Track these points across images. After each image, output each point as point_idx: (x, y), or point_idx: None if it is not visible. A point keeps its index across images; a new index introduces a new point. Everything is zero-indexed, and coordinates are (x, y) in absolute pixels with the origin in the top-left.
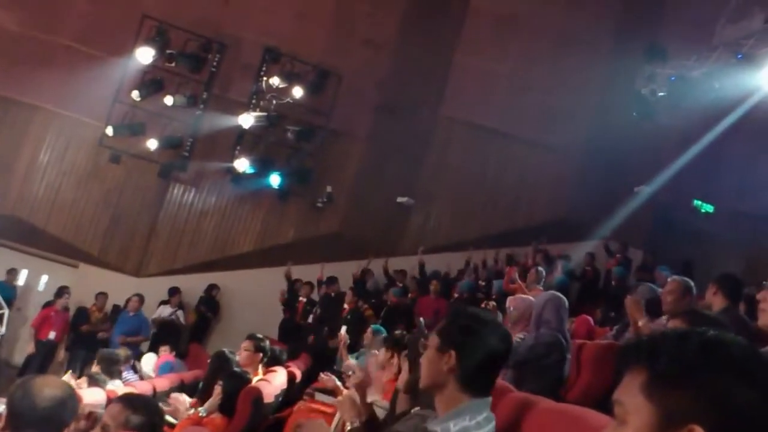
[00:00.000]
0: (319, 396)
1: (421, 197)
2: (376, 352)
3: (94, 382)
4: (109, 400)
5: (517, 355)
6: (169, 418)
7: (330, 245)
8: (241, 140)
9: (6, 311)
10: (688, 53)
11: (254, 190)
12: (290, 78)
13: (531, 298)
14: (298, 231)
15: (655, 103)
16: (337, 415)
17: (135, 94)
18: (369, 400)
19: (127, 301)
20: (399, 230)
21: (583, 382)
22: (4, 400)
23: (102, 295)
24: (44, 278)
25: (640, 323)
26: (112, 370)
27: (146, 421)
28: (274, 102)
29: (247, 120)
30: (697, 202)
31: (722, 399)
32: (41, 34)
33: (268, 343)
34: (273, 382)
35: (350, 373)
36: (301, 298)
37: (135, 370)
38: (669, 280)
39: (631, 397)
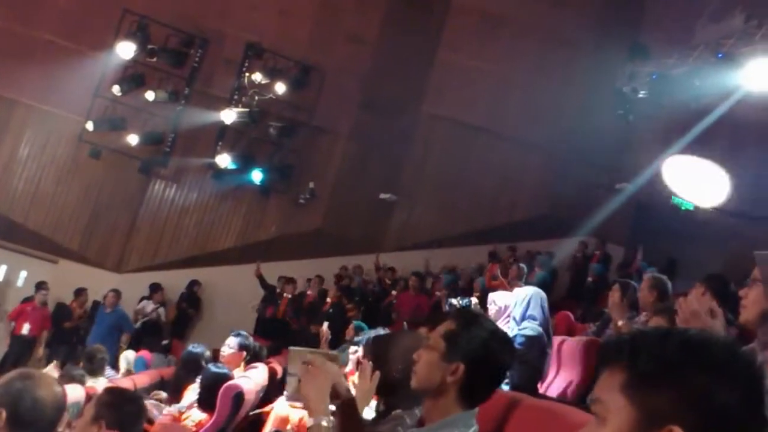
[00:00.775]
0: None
1: (404, 194)
2: (356, 348)
3: (71, 379)
4: (89, 397)
5: None
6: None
7: (312, 242)
8: (223, 136)
9: None
10: (669, 52)
11: (236, 186)
12: (272, 74)
13: (512, 293)
14: (280, 227)
15: (636, 101)
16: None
17: (116, 89)
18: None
19: (104, 297)
20: (382, 227)
21: (562, 378)
22: None
23: (82, 291)
24: (23, 274)
25: (619, 323)
26: (95, 367)
27: (128, 416)
28: (257, 98)
29: (228, 116)
30: (676, 200)
31: (703, 399)
32: (21, 28)
33: (252, 340)
34: (254, 379)
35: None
36: (286, 295)
37: (112, 367)
38: (645, 277)
39: (611, 395)
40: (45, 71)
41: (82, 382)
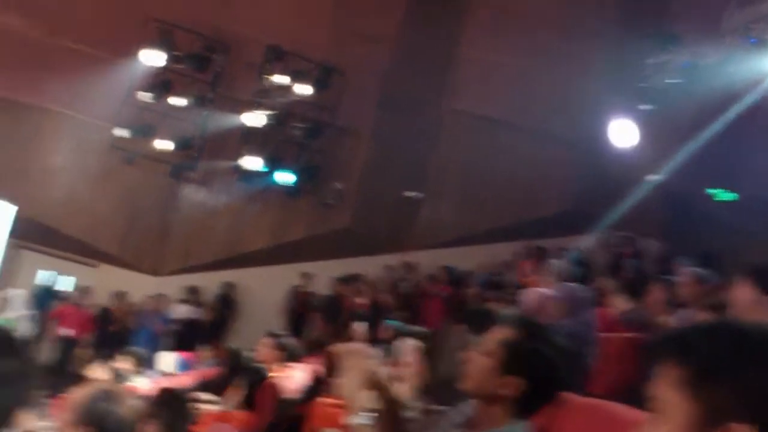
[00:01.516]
0: None
1: (430, 191)
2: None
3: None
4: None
5: None
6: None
7: (341, 241)
8: (248, 139)
9: (31, 312)
10: (697, 39)
11: (263, 187)
12: (294, 76)
13: (546, 290)
14: (309, 228)
15: (666, 91)
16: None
17: (144, 96)
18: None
19: (147, 300)
20: (408, 224)
21: (608, 375)
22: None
23: (122, 294)
24: (64, 278)
25: (667, 318)
26: (139, 367)
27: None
28: (280, 100)
29: (252, 119)
30: (712, 191)
31: (760, 394)
32: (48, 38)
33: (288, 339)
34: (292, 378)
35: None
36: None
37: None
38: (683, 271)
39: (668, 392)
40: (74, 79)
41: (127, 382)
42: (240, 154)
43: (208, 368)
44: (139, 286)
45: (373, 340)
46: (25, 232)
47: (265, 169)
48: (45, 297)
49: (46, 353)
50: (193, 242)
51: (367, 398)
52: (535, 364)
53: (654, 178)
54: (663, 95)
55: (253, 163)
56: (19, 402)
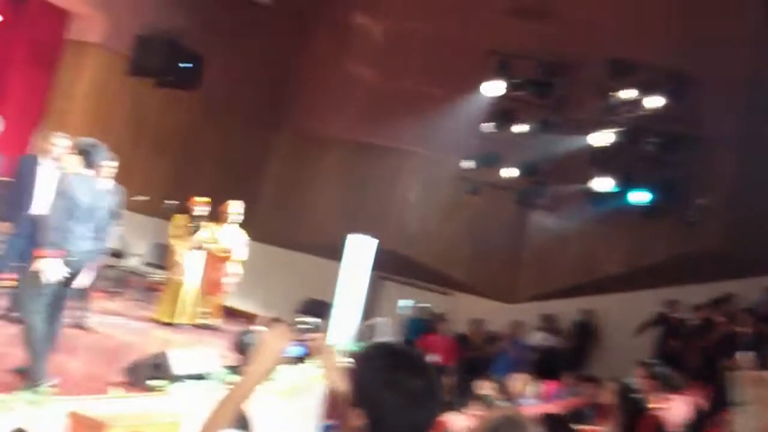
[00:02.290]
0: None
1: None
2: None
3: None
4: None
5: None
6: None
7: (707, 264)
8: (597, 159)
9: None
10: None
11: (616, 209)
12: (642, 88)
13: None
14: (670, 250)
15: None
16: None
17: (487, 126)
18: None
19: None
20: None
21: None
22: None
23: (478, 321)
24: (423, 306)
25: None
26: (501, 394)
27: None
28: (628, 115)
29: (600, 138)
30: None
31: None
32: (394, 84)
33: (662, 369)
34: (674, 410)
35: None
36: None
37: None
38: None
39: None
40: (422, 119)
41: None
42: (589, 176)
43: (571, 397)
44: (492, 314)
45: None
46: (385, 265)
47: (617, 190)
48: (412, 325)
49: None
50: (545, 269)
51: None
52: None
53: None
54: None
55: (603, 184)
56: (428, 422)
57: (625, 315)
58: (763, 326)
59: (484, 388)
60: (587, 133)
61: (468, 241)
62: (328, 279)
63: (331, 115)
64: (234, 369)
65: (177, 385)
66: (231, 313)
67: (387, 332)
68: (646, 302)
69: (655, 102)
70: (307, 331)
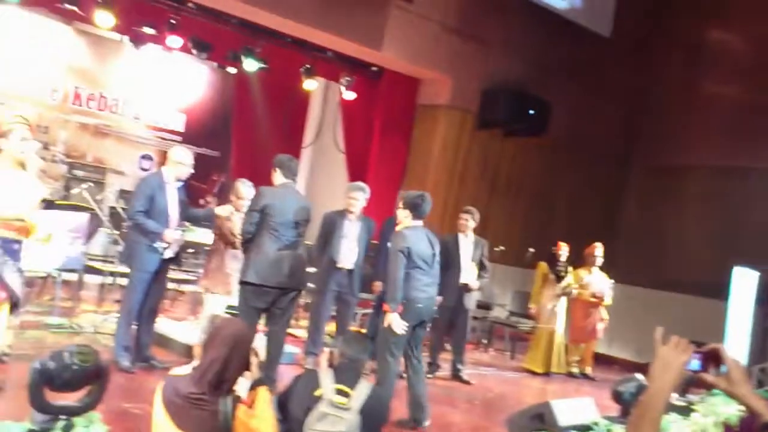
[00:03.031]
0: None
1: None
2: None
3: None
4: None
5: None
6: None
7: None
8: None
9: None
10: None
11: None
12: None
13: None
14: None
15: None
16: None
17: None
18: None
19: None
20: None
21: None
22: None
23: None
24: None
25: None
26: None
27: None
28: None
29: None
30: None
31: None
32: (763, 96)
33: None
34: None
35: None
36: None
37: None
38: None
39: None
40: None
41: None
42: None
43: None
44: None
45: None
46: None
47: None
48: None
49: None
50: None
51: None
52: None
53: None
54: None
55: None
56: None
57: None
58: None
59: None
60: None
61: None
62: (703, 318)
63: (689, 141)
64: (614, 419)
65: None
66: (601, 360)
67: None
68: None
69: None
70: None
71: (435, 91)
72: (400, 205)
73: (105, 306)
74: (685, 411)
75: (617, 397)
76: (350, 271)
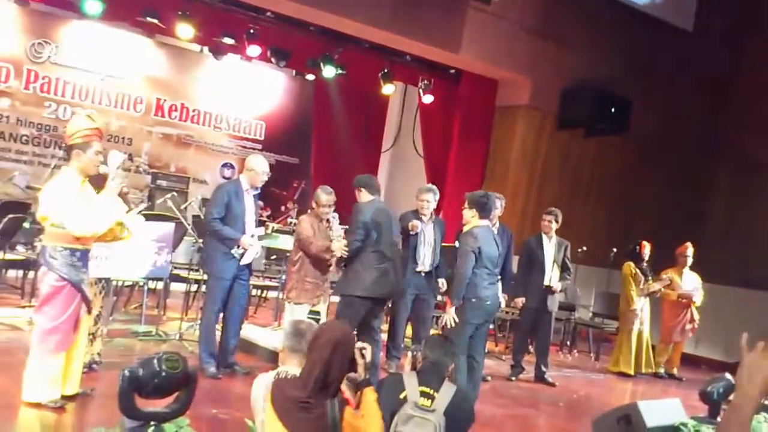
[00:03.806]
0: None
1: None
2: None
3: None
4: None
5: None
6: None
7: None
8: None
9: None
10: None
11: None
12: None
13: None
14: None
15: None
16: None
17: None
18: None
19: None
20: None
21: None
22: None
23: None
24: None
25: None
26: None
27: None
28: None
29: None
30: None
31: None
32: None
33: None
34: None
35: None
36: None
37: None
38: None
39: None
40: None
41: None
42: None
43: None
44: None
45: None
46: None
47: None
48: None
49: None
50: None
51: None
52: None
53: None
54: None
55: None
56: None
57: None
58: None
59: None
60: None
61: None
62: None
63: None
64: (702, 420)
65: None
66: (687, 360)
67: None
68: None
69: None
70: None
71: (514, 92)
72: (466, 205)
73: (190, 313)
74: None
75: (705, 397)
76: (428, 273)
